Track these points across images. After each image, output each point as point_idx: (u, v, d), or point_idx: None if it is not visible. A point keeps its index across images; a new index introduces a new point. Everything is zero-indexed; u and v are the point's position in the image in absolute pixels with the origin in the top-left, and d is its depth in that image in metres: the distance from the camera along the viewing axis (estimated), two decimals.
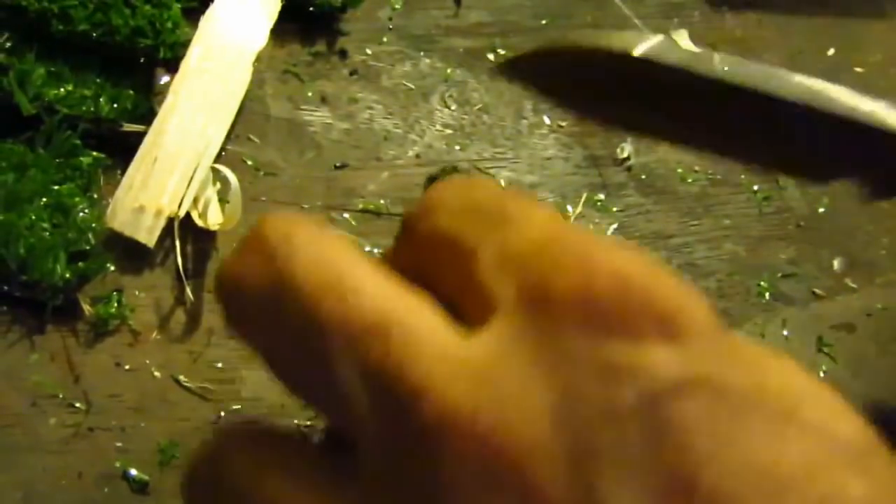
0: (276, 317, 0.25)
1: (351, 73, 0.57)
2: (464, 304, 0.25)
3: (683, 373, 0.22)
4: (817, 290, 0.55)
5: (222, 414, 0.44)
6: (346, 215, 0.51)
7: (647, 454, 0.21)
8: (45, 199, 0.45)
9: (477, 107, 0.58)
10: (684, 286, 0.24)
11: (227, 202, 0.48)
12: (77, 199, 0.46)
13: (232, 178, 0.48)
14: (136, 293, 0.46)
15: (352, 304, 0.24)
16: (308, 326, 0.24)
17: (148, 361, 0.44)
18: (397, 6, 0.60)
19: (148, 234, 0.46)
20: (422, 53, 0.59)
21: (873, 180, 0.40)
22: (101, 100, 0.48)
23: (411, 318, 0.24)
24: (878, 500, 0.22)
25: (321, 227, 0.26)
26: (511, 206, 0.26)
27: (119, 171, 0.48)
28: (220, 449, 0.27)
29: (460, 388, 0.22)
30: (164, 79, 0.51)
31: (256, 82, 0.54)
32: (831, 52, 0.68)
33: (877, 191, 0.41)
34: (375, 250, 0.50)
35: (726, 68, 0.37)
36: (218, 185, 0.49)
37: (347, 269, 0.24)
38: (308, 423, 0.44)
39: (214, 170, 0.49)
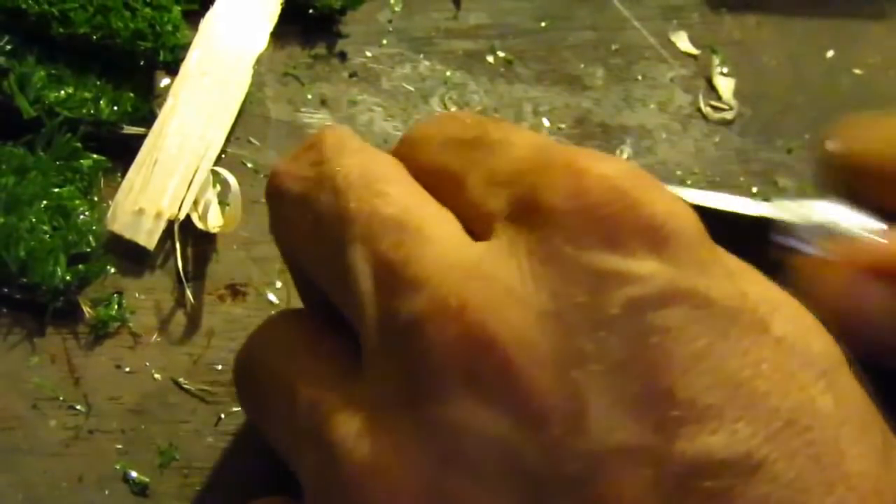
0: (312, 210, 0.27)
1: (351, 76, 0.57)
2: (464, 223, 0.26)
3: (668, 282, 0.22)
4: None
5: (222, 416, 0.44)
6: None
7: (629, 361, 0.22)
8: (45, 202, 0.45)
9: (477, 109, 0.58)
10: (672, 196, 0.24)
11: (228, 205, 0.48)
12: (77, 201, 0.46)
13: (232, 180, 0.48)
14: (137, 295, 0.46)
15: (379, 202, 0.25)
16: (337, 215, 0.26)
17: (148, 364, 0.44)
18: (397, 8, 0.60)
19: (148, 237, 0.46)
20: (421, 56, 0.59)
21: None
22: (101, 102, 0.48)
23: (427, 223, 0.25)
24: (843, 414, 0.23)
25: (365, 143, 0.29)
26: (492, 130, 0.27)
27: (120, 174, 0.48)
28: (264, 334, 0.32)
29: (453, 282, 0.23)
30: (165, 81, 0.51)
31: (256, 85, 0.54)
32: (830, 53, 0.68)
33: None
34: None
35: None
36: (218, 187, 0.49)
37: (383, 175, 0.26)
38: None
39: (214, 172, 0.49)
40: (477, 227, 0.26)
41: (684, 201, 0.25)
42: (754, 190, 0.58)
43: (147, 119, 0.49)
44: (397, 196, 0.26)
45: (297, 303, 0.48)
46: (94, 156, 0.48)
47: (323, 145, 0.28)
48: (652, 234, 0.23)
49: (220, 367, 0.45)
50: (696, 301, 0.22)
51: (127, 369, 0.44)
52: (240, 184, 0.48)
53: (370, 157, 0.28)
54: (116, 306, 0.45)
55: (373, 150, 0.28)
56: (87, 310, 0.44)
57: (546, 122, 0.58)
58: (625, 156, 0.57)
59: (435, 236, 0.25)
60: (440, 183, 0.27)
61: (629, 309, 0.22)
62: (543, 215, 0.23)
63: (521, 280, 0.23)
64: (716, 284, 0.23)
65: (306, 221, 0.28)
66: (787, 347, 0.23)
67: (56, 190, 0.46)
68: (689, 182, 0.58)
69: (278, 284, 0.48)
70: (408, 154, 0.29)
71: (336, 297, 0.27)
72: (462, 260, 0.24)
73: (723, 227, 0.38)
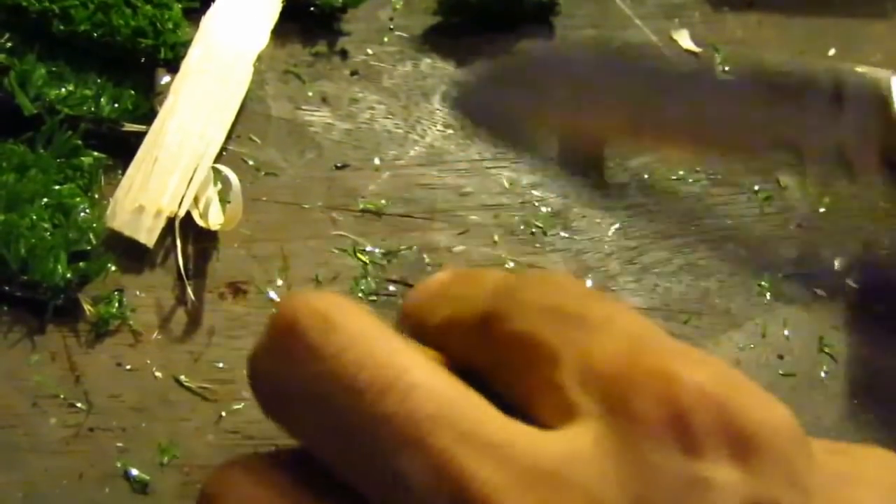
0: (328, 414, 0.24)
1: (352, 74, 0.57)
2: (540, 406, 0.25)
3: (750, 493, 0.22)
4: (818, 290, 0.55)
5: (223, 414, 0.44)
6: (346, 215, 0.51)
7: None
8: (46, 200, 0.45)
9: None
10: (766, 401, 0.24)
11: (228, 202, 0.48)
12: (78, 199, 0.46)
13: (233, 178, 0.48)
14: (137, 293, 0.46)
15: (413, 402, 0.23)
16: (366, 423, 0.23)
17: (149, 361, 0.44)
18: (398, 6, 0.60)
19: (148, 235, 0.46)
20: (422, 53, 0.59)
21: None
22: (101, 100, 0.48)
23: (472, 412, 0.23)
24: None
25: (353, 312, 0.25)
26: (594, 310, 0.26)
27: (120, 172, 0.48)
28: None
29: (532, 493, 0.22)
30: (165, 79, 0.51)
31: (257, 82, 0.54)
32: (832, 52, 0.68)
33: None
34: (377, 250, 0.50)
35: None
36: (219, 185, 0.49)
37: (400, 364, 0.23)
38: None
39: (215, 170, 0.49)
40: (554, 410, 0.24)
41: (782, 406, 0.24)
42: (756, 188, 0.58)
43: (147, 116, 0.49)
44: (429, 388, 0.23)
45: None
46: (95, 153, 0.48)
47: (305, 334, 0.24)
48: (742, 443, 0.22)
49: (220, 365, 0.45)
50: None
51: (127, 367, 0.44)
52: (240, 181, 0.48)
53: (369, 340, 0.24)
54: (117, 304, 0.45)
55: (369, 330, 0.24)
56: (87, 307, 0.44)
57: None
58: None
59: (494, 431, 0.23)
60: (529, 354, 0.26)
61: None
62: (632, 419, 0.23)
63: (607, 486, 0.22)
64: (799, 497, 0.23)
65: (319, 418, 0.24)
66: None
67: (57, 187, 0.46)
68: (690, 180, 0.58)
69: (279, 282, 0.48)
70: (503, 313, 0.27)
71: (375, 495, 0.24)
72: (538, 463, 0.22)
73: None
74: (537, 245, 0.53)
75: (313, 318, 0.24)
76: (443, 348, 0.28)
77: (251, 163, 0.51)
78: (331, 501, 0.24)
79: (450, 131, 0.56)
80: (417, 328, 0.29)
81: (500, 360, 0.27)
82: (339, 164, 0.53)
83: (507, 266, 0.51)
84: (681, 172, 0.58)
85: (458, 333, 0.28)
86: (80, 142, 0.47)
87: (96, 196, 0.47)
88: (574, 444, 0.23)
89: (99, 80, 0.48)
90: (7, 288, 0.43)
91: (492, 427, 0.23)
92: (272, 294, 0.47)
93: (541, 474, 0.22)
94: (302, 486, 0.25)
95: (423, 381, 0.24)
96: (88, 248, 0.45)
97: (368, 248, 0.50)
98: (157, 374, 0.44)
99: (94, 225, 0.45)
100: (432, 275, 0.29)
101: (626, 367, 0.24)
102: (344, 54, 0.57)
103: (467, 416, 0.23)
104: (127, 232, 0.46)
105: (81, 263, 0.44)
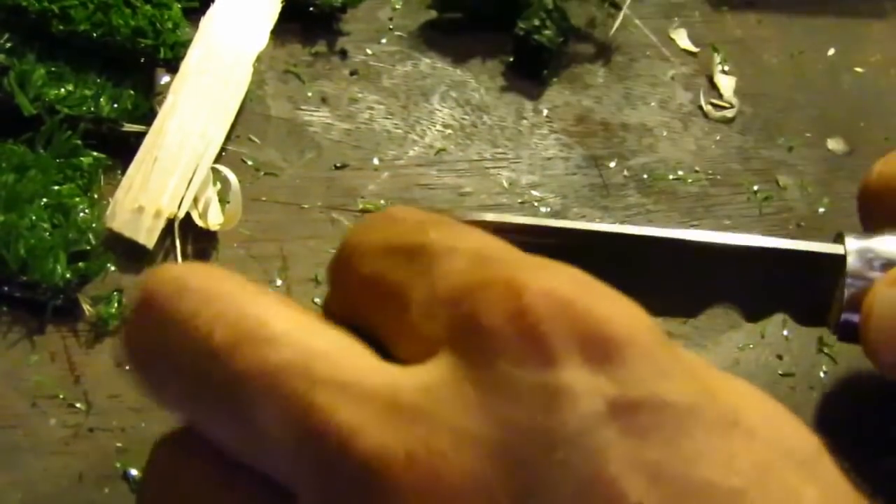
0: (194, 380, 0.23)
1: (351, 74, 0.57)
2: (402, 345, 0.24)
3: (621, 393, 0.21)
4: None
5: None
6: (346, 215, 0.51)
7: (592, 481, 0.20)
8: (45, 200, 0.45)
9: (477, 107, 0.58)
10: (619, 301, 0.23)
11: (228, 202, 0.48)
12: (77, 199, 0.46)
13: (232, 178, 0.48)
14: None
15: (269, 350, 0.22)
16: (225, 381, 0.23)
17: None
18: (397, 6, 0.60)
19: (147, 235, 0.46)
20: (422, 53, 0.59)
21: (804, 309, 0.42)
22: (101, 100, 0.48)
23: (333, 356, 0.23)
24: (831, 502, 0.22)
25: (211, 273, 0.25)
26: (433, 237, 0.25)
27: (120, 172, 0.48)
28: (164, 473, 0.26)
29: (392, 428, 0.21)
30: (165, 79, 0.51)
31: (257, 82, 0.54)
32: (831, 52, 0.68)
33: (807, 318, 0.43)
34: None
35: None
36: (218, 185, 0.49)
37: (257, 315, 0.23)
38: None
39: (215, 170, 0.49)
40: (415, 348, 0.24)
41: (635, 305, 0.23)
42: (755, 188, 0.58)
43: (147, 117, 0.49)
44: (286, 336, 0.23)
45: (296, 302, 0.48)
46: (94, 153, 0.48)
47: (162, 300, 0.24)
48: (600, 345, 0.21)
49: None
50: (654, 406, 0.21)
51: (127, 367, 0.44)
52: (240, 181, 0.48)
53: (227, 296, 0.24)
54: (116, 304, 0.45)
55: (224, 285, 0.24)
56: (87, 308, 0.44)
57: (547, 120, 0.58)
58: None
59: (348, 371, 0.22)
60: (382, 298, 0.25)
61: (583, 426, 0.21)
62: (485, 338, 0.22)
63: (469, 413, 0.21)
64: (674, 386, 0.21)
65: (192, 395, 0.24)
66: (760, 439, 0.22)
67: (56, 187, 0.46)
68: (689, 180, 0.58)
69: (278, 282, 0.48)
70: (348, 262, 0.26)
71: (257, 462, 0.23)
72: (395, 397, 0.22)
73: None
74: None
75: (166, 285, 0.24)
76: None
77: (251, 163, 0.51)
78: (229, 471, 0.24)
79: (449, 131, 0.56)
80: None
81: (358, 306, 0.26)
82: (338, 164, 0.53)
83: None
84: (680, 172, 0.58)
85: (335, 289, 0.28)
86: (79, 142, 0.47)
87: (96, 196, 0.47)
88: (431, 374, 0.22)
89: (99, 80, 0.48)
90: (6, 288, 0.43)
91: (350, 369, 0.22)
92: None
93: (400, 408, 0.22)
94: (205, 456, 0.25)
95: (279, 330, 0.23)
96: (88, 248, 0.45)
97: None
98: None
99: (94, 225, 0.45)
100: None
101: (470, 285, 0.23)
102: (343, 54, 0.57)
103: (326, 361, 0.22)
104: (126, 233, 0.46)
105: (81, 264, 0.44)
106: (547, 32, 0.58)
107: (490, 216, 0.36)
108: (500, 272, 0.23)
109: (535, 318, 0.22)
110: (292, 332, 0.23)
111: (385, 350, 0.25)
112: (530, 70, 0.59)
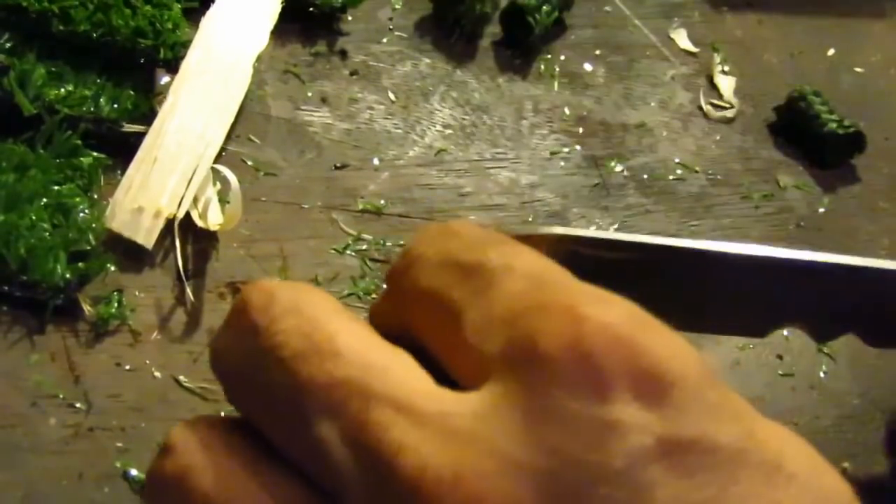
0: (265, 385, 0.24)
1: (351, 74, 0.57)
2: (455, 363, 0.25)
3: (671, 431, 0.21)
4: None
5: (223, 414, 0.44)
6: (346, 215, 0.51)
7: None
8: (45, 200, 0.45)
9: (477, 107, 0.58)
10: (675, 340, 0.23)
11: (228, 202, 0.48)
12: (77, 199, 0.46)
13: (232, 178, 0.48)
14: (137, 293, 0.46)
15: (332, 366, 0.23)
16: (291, 390, 0.24)
17: (148, 361, 0.44)
18: (397, 6, 0.60)
19: (147, 236, 0.46)
20: (422, 53, 0.59)
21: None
22: (101, 100, 0.48)
23: (392, 375, 0.23)
24: None
25: (300, 289, 0.26)
26: (491, 256, 0.25)
27: (120, 172, 0.48)
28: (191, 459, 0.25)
29: (442, 449, 0.22)
30: (165, 79, 0.51)
31: (257, 82, 0.54)
32: (831, 52, 0.68)
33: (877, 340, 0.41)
34: (376, 250, 0.50)
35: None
36: (218, 185, 0.49)
37: (328, 332, 0.24)
38: None
39: (214, 170, 0.49)
40: (466, 366, 0.24)
41: (689, 346, 0.24)
42: (755, 188, 0.58)
43: (147, 117, 0.49)
44: (351, 353, 0.24)
45: None
46: (95, 153, 0.48)
47: (251, 310, 0.25)
48: (653, 382, 0.22)
49: None
50: (703, 447, 0.21)
51: (127, 367, 0.44)
52: (240, 181, 0.48)
53: (306, 311, 0.25)
54: (116, 304, 0.45)
55: (307, 301, 0.25)
56: (87, 308, 0.44)
57: (547, 120, 0.58)
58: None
59: (404, 391, 0.23)
60: (438, 313, 0.25)
61: (632, 462, 0.21)
62: (541, 364, 0.22)
63: (518, 440, 0.21)
64: (723, 428, 0.22)
65: (263, 395, 0.25)
66: (800, 485, 0.22)
67: (56, 187, 0.46)
68: (689, 181, 0.58)
69: None
70: (406, 272, 0.27)
71: (309, 467, 0.24)
72: (447, 419, 0.22)
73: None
74: None
75: (259, 296, 0.25)
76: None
77: (251, 163, 0.51)
78: (275, 469, 0.25)
79: (449, 131, 0.56)
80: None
81: (414, 322, 0.27)
82: (338, 164, 0.53)
83: None
84: (680, 172, 0.58)
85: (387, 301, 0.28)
86: (79, 142, 0.47)
87: (96, 196, 0.47)
88: (484, 399, 0.23)
89: (99, 80, 0.48)
90: (7, 288, 0.43)
91: (407, 389, 0.23)
92: None
93: (452, 431, 0.22)
94: (254, 450, 0.25)
95: (345, 346, 0.24)
96: (88, 248, 0.45)
97: (365, 247, 0.50)
98: (157, 374, 0.44)
99: (94, 225, 0.45)
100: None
101: (527, 310, 0.23)
102: (343, 54, 0.57)
103: (384, 379, 0.23)
104: (126, 233, 0.46)
105: (81, 263, 0.44)
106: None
107: (559, 229, 0.35)
108: (559, 299, 0.23)
109: (592, 350, 0.22)
110: (356, 348, 0.24)
111: (433, 360, 0.25)
112: (518, 38, 0.60)
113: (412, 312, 0.27)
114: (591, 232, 0.37)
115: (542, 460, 0.21)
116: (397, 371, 0.24)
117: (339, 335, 0.24)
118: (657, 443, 0.21)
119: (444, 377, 0.24)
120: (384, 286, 0.29)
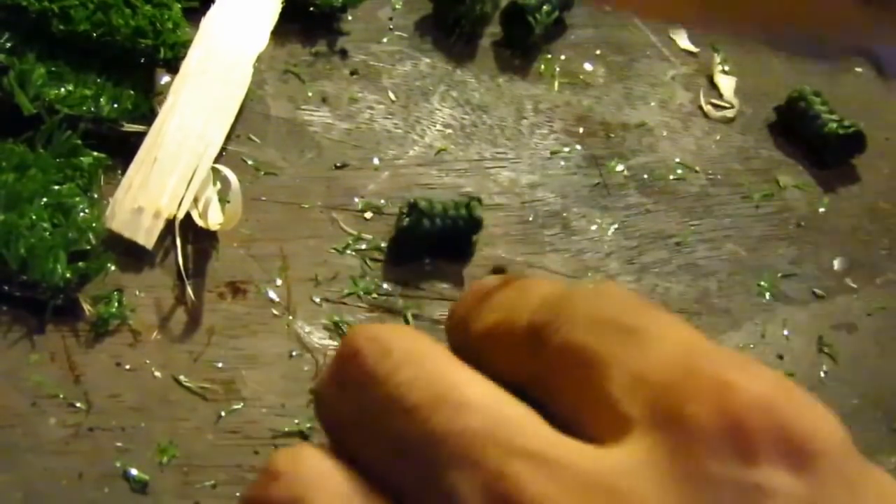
0: (386, 435, 0.24)
1: (351, 73, 0.57)
2: (590, 420, 0.25)
3: (808, 500, 0.22)
4: (818, 290, 0.55)
5: (222, 414, 0.44)
6: (346, 215, 0.51)
7: None
8: (45, 199, 0.45)
9: (477, 107, 0.58)
10: (819, 410, 0.24)
11: (228, 202, 0.48)
12: (77, 198, 0.46)
13: (232, 177, 0.48)
14: (137, 293, 0.46)
15: (465, 416, 0.23)
16: (421, 440, 0.24)
17: (148, 361, 0.44)
18: (397, 6, 0.60)
19: (147, 236, 0.46)
20: (422, 53, 0.59)
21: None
22: (101, 100, 0.48)
23: (525, 426, 0.23)
24: None
25: (414, 336, 0.26)
26: (648, 321, 0.25)
27: (119, 171, 0.48)
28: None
29: (585, 502, 0.22)
30: (165, 79, 0.51)
31: (257, 82, 0.54)
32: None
33: None
34: (376, 249, 0.50)
35: None
36: (218, 184, 0.49)
37: (453, 381, 0.24)
38: (309, 425, 0.44)
39: (215, 170, 0.49)
40: (604, 422, 0.24)
41: (832, 415, 0.25)
42: (755, 188, 0.58)
43: (147, 116, 0.49)
44: (481, 404, 0.24)
45: (296, 302, 0.48)
46: (94, 153, 0.47)
47: (364, 360, 0.25)
48: (800, 451, 0.22)
49: (220, 365, 0.45)
50: None
51: (127, 367, 0.44)
52: (240, 181, 0.48)
53: (426, 361, 0.25)
54: (116, 304, 0.45)
55: (424, 349, 0.26)
56: (87, 307, 0.44)
57: (547, 120, 0.58)
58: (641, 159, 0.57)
59: (546, 445, 0.23)
60: (580, 366, 0.25)
61: None
62: (687, 428, 0.23)
63: (664, 498, 0.22)
64: (853, 499, 0.22)
65: (380, 447, 0.25)
66: None
67: (56, 187, 0.46)
68: (689, 180, 0.58)
69: (278, 282, 0.48)
70: (553, 323, 0.26)
71: None
72: (592, 475, 0.22)
73: None
74: (537, 245, 0.53)
75: (371, 344, 0.25)
76: (487, 357, 0.28)
77: (251, 163, 0.51)
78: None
79: (449, 131, 0.56)
80: (463, 334, 0.29)
81: (548, 373, 0.27)
82: (338, 164, 0.53)
83: (515, 263, 0.51)
84: (680, 172, 0.58)
85: (504, 343, 0.28)
86: (79, 141, 0.47)
87: (96, 196, 0.47)
88: (627, 456, 0.23)
89: (98, 80, 0.48)
90: (6, 287, 0.43)
91: (543, 442, 0.23)
92: (272, 294, 0.47)
93: (594, 488, 0.22)
94: (371, 485, 0.25)
95: (473, 396, 0.24)
96: (88, 247, 0.45)
97: (365, 247, 0.50)
98: (157, 373, 0.44)
99: (94, 225, 0.45)
100: (482, 279, 0.30)
101: (679, 376, 0.24)
102: (344, 54, 0.57)
103: (518, 430, 0.23)
104: (126, 233, 0.46)
105: (81, 263, 0.44)
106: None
107: None
108: (709, 366, 0.24)
109: (742, 417, 0.23)
110: (485, 398, 0.24)
111: (543, 412, 0.25)
112: (518, 38, 0.60)
113: (552, 365, 0.26)
114: None
115: None
116: (529, 422, 0.24)
117: (464, 385, 0.24)
118: None
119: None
120: (528, 337, 0.29)
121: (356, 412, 0.25)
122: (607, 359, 0.25)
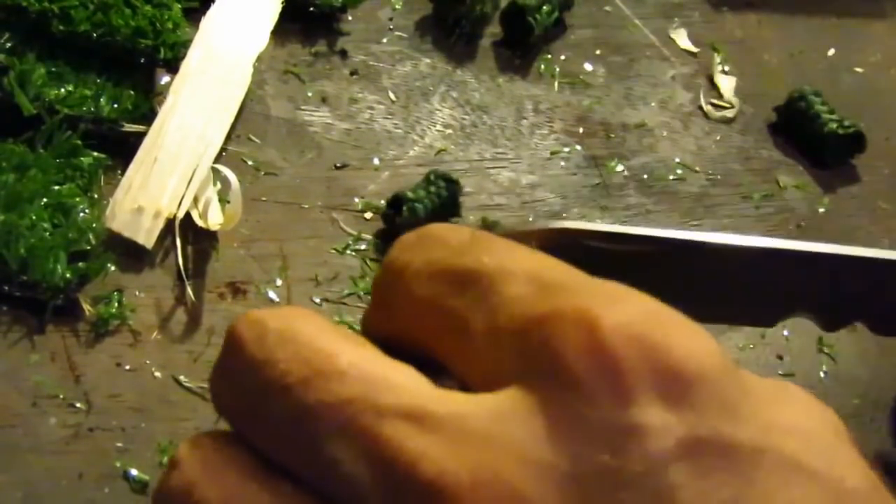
0: (272, 415, 0.24)
1: (351, 74, 0.57)
2: (466, 370, 0.25)
3: (688, 432, 0.21)
4: None
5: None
6: (346, 215, 0.51)
7: None
8: (45, 199, 0.45)
9: (477, 107, 0.58)
10: (693, 334, 0.23)
11: (228, 202, 0.48)
12: (78, 199, 0.46)
13: (232, 178, 0.48)
14: (137, 293, 0.46)
15: (337, 386, 0.23)
16: (300, 416, 0.24)
17: (148, 361, 0.44)
18: (397, 6, 0.60)
19: (147, 236, 0.46)
20: (422, 53, 0.59)
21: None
22: (101, 100, 0.48)
23: (398, 386, 0.23)
24: None
25: (290, 314, 0.26)
26: (484, 260, 0.25)
27: (120, 172, 0.48)
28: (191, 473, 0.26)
29: (459, 453, 0.22)
30: (165, 79, 0.51)
31: (257, 82, 0.54)
32: (831, 52, 0.68)
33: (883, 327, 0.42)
34: (376, 250, 0.50)
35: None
36: (218, 185, 0.49)
37: (326, 353, 0.24)
38: None
39: (215, 170, 0.49)
40: (477, 373, 0.24)
41: (707, 337, 0.24)
42: (755, 188, 0.58)
43: (147, 117, 0.49)
44: (354, 370, 0.24)
45: (296, 302, 0.48)
46: (95, 153, 0.48)
47: (245, 344, 0.25)
48: (671, 381, 0.22)
49: None
50: (719, 448, 0.21)
51: (127, 367, 0.44)
52: (240, 181, 0.48)
53: (302, 336, 0.25)
54: (116, 304, 0.45)
55: (300, 325, 0.25)
56: (87, 307, 0.44)
57: (547, 120, 0.58)
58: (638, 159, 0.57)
59: (417, 400, 0.23)
60: (438, 323, 0.25)
61: (649, 465, 0.21)
62: (557, 372, 0.22)
63: (537, 445, 0.21)
64: (741, 426, 0.22)
65: (269, 428, 0.25)
66: (821, 482, 0.22)
67: (56, 187, 0.46)
68: (689, 180, 0.58)
69: (278, 282, 0.48)
70: (396, 284, 0.26)
71: (325, 487, 0.24)
72: (465, 423, 0.22)
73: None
74: None
75: (250, 329, 0.25)
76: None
77: (251, 163, 0.51)
78: (284, 483, 0.24)
79: (449, 131, 0.56)
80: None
81: (413, 329, 0.26)
82: (338, 164, 0.53)
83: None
84: (680, 172, 0.58)
85: (388, 308, 0.28)
86: (79, 142, 0.47)
87: (96, 196, 0.47)
88: (501, 403, 0.22)
89: (99, 80, 0.48)
90: (6, 288, 0.43)
91: (419, 399, 0.23)
92: (272, 294, 0.47)
93: (468, 434, 0.22)
94: (262, 464, 0.25)
95: (346, 365, 0.24)
96: (88, 248, 0.45)
97: (364, 247, 0.50)
98: (157, 374, 0.44)
99: (94, 225, 0.45)
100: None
101: (539, 318, 0.23)
102: (344, 54, 0.57)
103: (392, 392, 0.23)
104: (126, 233, 0.46)
105: (81, 263, 0.44)
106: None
107: (569, 224, 0.35)
108: (568, 301, 0.23)
109: (611, 352, 0.22)
110: (358, 364, 0.24)
111: (435, 367, 0.25)
112: (518, 39, 0.60)
113: (409, 323, 0.26)
114: (598, 225, 0.37)
115: (562, 463, 0.21)
116: (402, 381, 0.23)
117: (338, 355, 0.24)
118: (677, 444, 0.21)
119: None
120: (373, 298, 0.29)
121: (243, 398, 0.25)
122: (460, 312, 0.24)
